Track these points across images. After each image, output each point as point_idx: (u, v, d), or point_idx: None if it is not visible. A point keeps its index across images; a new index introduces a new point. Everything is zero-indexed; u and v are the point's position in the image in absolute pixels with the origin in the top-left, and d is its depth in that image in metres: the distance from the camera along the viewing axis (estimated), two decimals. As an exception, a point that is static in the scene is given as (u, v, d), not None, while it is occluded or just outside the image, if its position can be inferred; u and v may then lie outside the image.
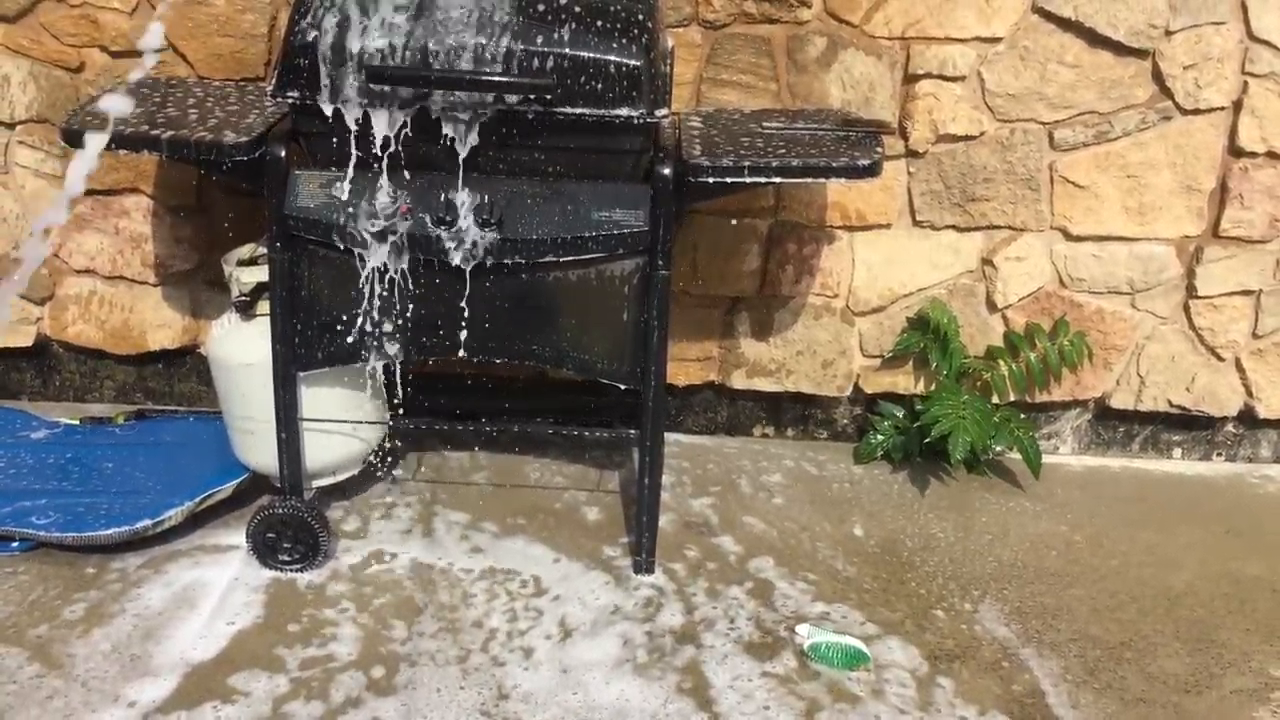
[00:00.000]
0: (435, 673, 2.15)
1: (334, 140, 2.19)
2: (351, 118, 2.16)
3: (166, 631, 2.24)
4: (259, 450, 2.50)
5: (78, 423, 2.88)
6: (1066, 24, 2.67)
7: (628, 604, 2.37)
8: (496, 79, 2.10)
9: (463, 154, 2.18)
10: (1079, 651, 2.31)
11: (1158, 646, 2.34)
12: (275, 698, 2.07)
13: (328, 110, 2.15)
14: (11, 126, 2.83)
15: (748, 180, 2.26)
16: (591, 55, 2.12)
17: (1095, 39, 2.68)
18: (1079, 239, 2.86)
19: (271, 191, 2.24)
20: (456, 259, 2.24)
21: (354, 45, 2.09)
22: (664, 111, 2.20)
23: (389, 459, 2.77)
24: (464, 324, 2.31)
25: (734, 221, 2.84)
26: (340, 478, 2.59)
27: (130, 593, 2.34)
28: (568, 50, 2.11)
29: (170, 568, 2.43)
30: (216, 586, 2.38)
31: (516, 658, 2.20)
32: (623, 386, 2.38)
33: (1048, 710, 2.15)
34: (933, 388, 2.95)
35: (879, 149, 2.35)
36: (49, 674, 2.11)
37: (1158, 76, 2.72)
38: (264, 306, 2.41)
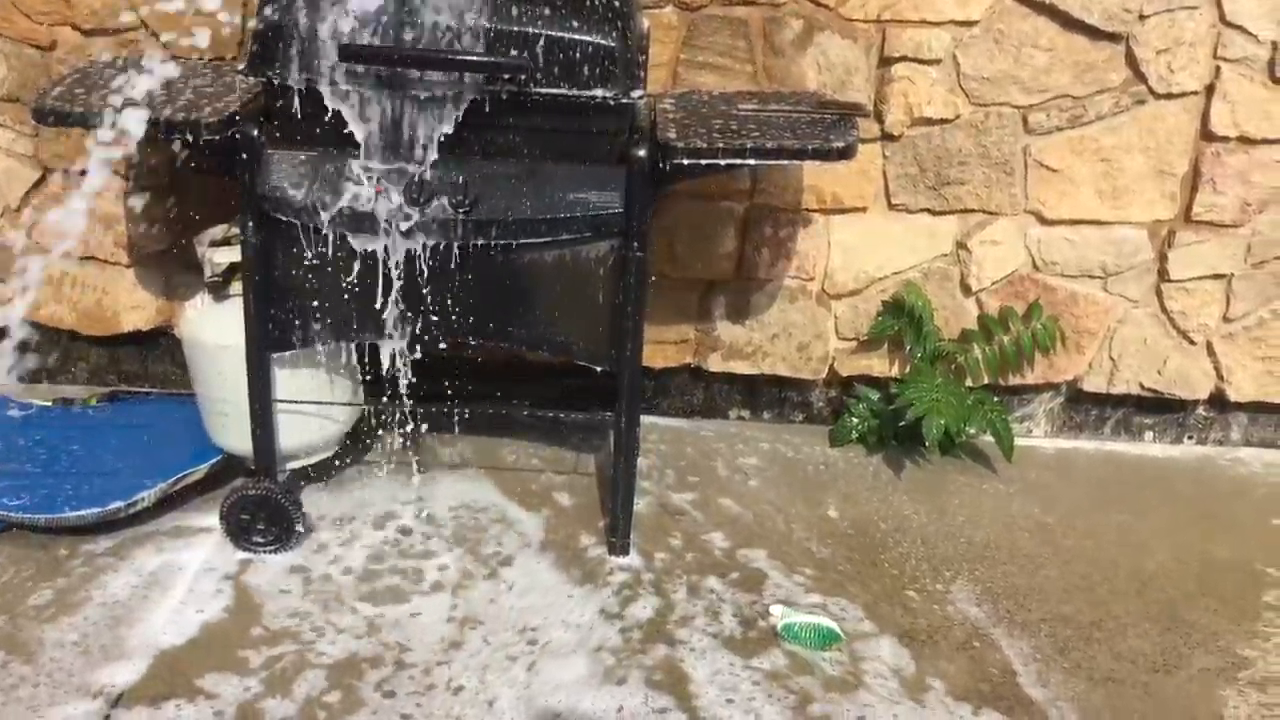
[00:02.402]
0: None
1: (307, 120, 2.18)
2: (324, 97, 2.14)
3: (137, 615, 2.22)
4: (233, 432, 2.49)
5: (50, 404, 2.86)
6: (1041, 8, 2.68)
7: (603, 592, 2.36)
8: (471, 59, 2.09)
9: (437, 134, 2.17)
10: (1049, 631, 2.33)
11: (1127, 626, 2.36)
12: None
13: (300, 89, 2.14)
14: (-18, 105, 2.81)
15: (722, 162, 2.25)
16: (567, 36, 2.11)
17: (1070, 23, 2.69)
18: (1053, 223, 2.88)
19: (244, 172, 2.23)
20: (430, 240, 2.23)
21: (327, 23, 2.08)
22: (639, 93, 2.20)
23: (364, 441, 2.77)
24: (439, 306, 2.30)
25: (710, 204, 2.84)
26: (314, 459, 2.58)
27: (100, 576, 2.33)
28: (543, 30, 2.10)
29: (142, 550, 2.42)
30: (188, 571, 2.36)
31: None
32: (599, 369, 2.38)
33: (1018, 689, 2.17)
34: (908, 371, 2.97)
35: (854, 132, 2.36)
36: (14, 660, 2.09)
37: (1131, 61, 2.73)
38: (237, 287, 2.40)
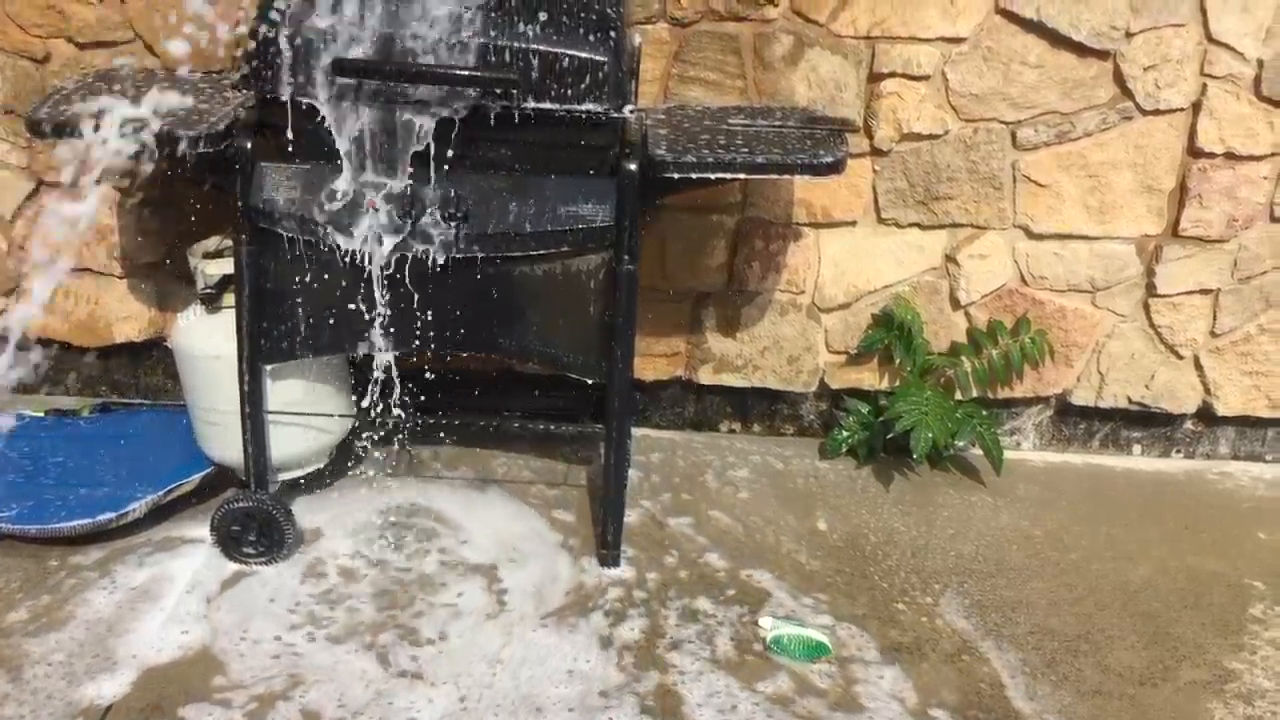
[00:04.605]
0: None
1: (300, 133, 2.19)
2: (318, 110, 2.16)
3: (126, 628, 2.23)
4: (224, 443, 2.49)
5: (42, 415, 2.87)
6: (1029, 25, 2.70)
7: (593, 614, 2.35)
8: (462, 73, 2.11)
9: (429, 147, 2.19)
10: (1037, 644, 2.34)
11: (1114, 639, 2.37)
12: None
13: (293, 103, 2.16)
14: (-24, 117, 2.82)
15: (712, 176, 2.28)
16: (558, 50, 2.13)
17: (1057, 40, 2.71)
18: (1041, 237, 2.90)
19: (237, 184, 2.24)
20: (422, 252, 2.24)
21: (320, 38, 2.10)
22: (630, 107, 2.22)
23: (355, 452, 2.77)
24: (430, 317, 2.31)
25: (701, 217, 2.86)
26: (306, 471, 2.59)
27: (89, 589, 2.33)
28: (534, 45, 2.12)
29: (132, 562, 2.42)
30: (178, 582, 2.36)
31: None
32: (590, 381, 2.39)
33: (1006, 702, 2.17)
34: (897, 384, 2.98)
35: (843, 147, 2.38)
36: None
37: (1118, 77, 2.75)
38: (230, 299, 2.41)
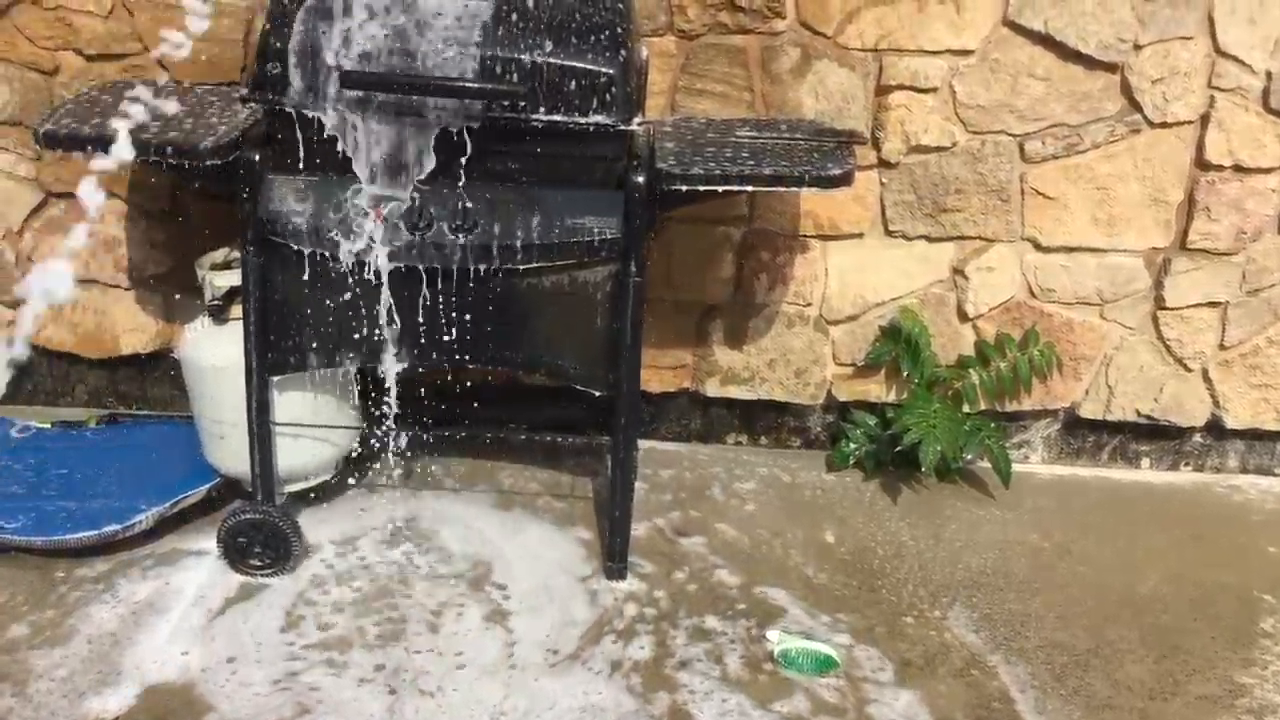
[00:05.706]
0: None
1: (308, 145, 2.19)
2: (325, 123, 2.16)
3: (132, 641, 2.22)
4: (231, 454, 2.49)
5: (49, 426, 2.86)
6: (1037, 37, 2.70)
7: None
8: (469, 85, 2.11)
9: (437, 159, 2.19)
10: (1046, 658, 2.33)
11: (1124, 653, 2.36)
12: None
13: (301, 115, 2.16)
14: (-15, 129, 2.83)
15: (719, 189, 2.28)
16: (566, 63, 2.13)
17: (1065, 52, 2.71)
18: (1049, 250, 2.89)
19: (245, 196, 2.24)
20: (430, 265, 2.24)
21: (328, 50, 2.10)
22: (638, 120, 2.22)
23: (362, 464, 2.77)
24: (438, 329, 2.31)
25: (708, 229, 2.85)
26: (313, 482, 2.59)
27: (94, 601, 2.33)
28: (542, 58, 2.12)
29: (136, 574, 2.42)
30: (184, 596, 2.36)
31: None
32: (596, 393, 2.39)
33: (1017, 717, 2.16)
34: (905, 396, 2.97)
35: (850, 159, 2.38)
36: (3, 691, 2.08)
37: (1126, 90, 2.75)
38: (237, 310, 2.41)
